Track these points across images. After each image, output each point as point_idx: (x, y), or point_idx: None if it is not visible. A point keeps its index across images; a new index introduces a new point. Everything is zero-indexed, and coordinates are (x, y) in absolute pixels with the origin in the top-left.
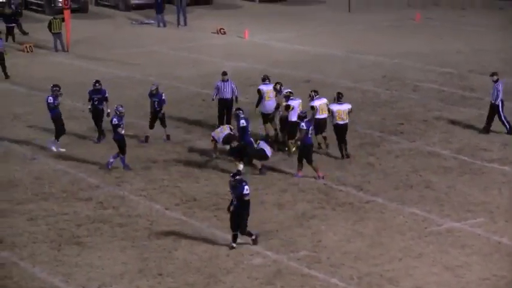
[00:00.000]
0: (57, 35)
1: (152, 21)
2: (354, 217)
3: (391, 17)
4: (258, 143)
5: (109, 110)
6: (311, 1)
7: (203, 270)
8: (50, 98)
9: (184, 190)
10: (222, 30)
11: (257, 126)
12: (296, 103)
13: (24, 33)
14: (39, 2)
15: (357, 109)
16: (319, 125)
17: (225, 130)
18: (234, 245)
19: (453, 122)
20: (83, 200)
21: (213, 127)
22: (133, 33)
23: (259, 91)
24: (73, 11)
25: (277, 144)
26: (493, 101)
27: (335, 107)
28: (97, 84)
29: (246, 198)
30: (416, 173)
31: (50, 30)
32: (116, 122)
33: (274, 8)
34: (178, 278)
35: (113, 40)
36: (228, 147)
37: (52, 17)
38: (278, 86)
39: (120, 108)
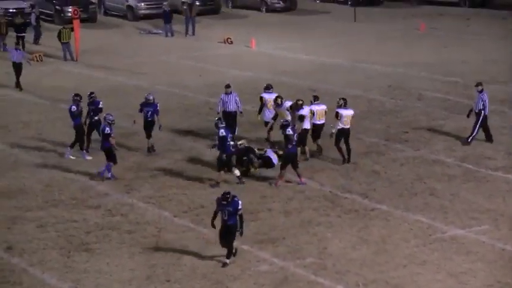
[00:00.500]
0: (66, 45)
1: (160, 31)
2: (359, 224)
3: (396, 27)
4: (265, 151)
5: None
6: (317, 11)
7: (210, 276)
8: (73, 106)
9: (192, 197)
10: (229, 40)
11: (260, 134)
12: (306, 111)
13: (36, 42)
14: (49, 12)
15: (362, 118)
16: (316, 130)
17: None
18: (227, 261)
19: (457, 131)
20: (92, 208)
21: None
22: (142, 43)
23: (261, 98)
24: (82, 20)
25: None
26: (476, 110)
27: (344, 112)
28: (92, 95)
29: (240, 212)
30: (421, 180)
31: (59, 40)
32: (109, 131)
33: (280, 18)
34: (185, 284)
35: (121, 49)
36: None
37: (62, 27)
38: (279, 100)
39: (110, 117)
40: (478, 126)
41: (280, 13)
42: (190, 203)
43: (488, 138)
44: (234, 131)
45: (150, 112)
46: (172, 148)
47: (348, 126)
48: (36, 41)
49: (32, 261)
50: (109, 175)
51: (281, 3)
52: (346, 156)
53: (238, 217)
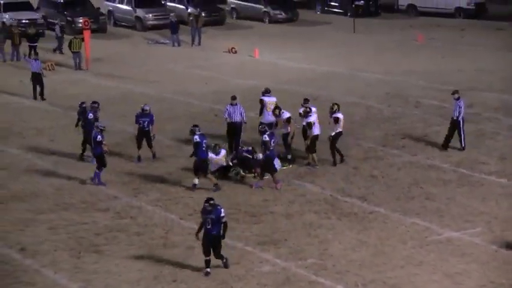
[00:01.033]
0: (77, 54)
1: (167, 41)
2: (358, 227)
3: (394, 38)
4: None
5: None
6: (317, 22)
7: (215, 277)
8: (90, 114)
9: (198, 201)
10: (233, 50)
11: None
12: (315, 118)
13: (60, 52)
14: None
15: (361, 124)
16: (306, 132)
17: (221, 161)
18: (209, 270)
19: (453, 137)
20: (102, 210)
21: (225, 140)
22: (149, 52)
23: (261, 101)
24: (93, 31)
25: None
26: (454, 118)
27: (341, 116)
28: (83, 105)
29: (224, 220)
30: (418, 185)
31: (70, 49)
32: (100, 139)
33: (282, 28)
34: (191, 284)
35: (130, 59)
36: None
37: (73, 37)
38: (277, 111)
39: (101, 125)
40: (463, 131)
41: (283, 24)
42: (195, 206)
43: (445, 145)
44: (239, 140)
45: (146, 122)
46: (178, 154)
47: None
48: (56, 50)
49: (44, 262)
50: (96, 181)
51: (283, 14)
52: (341, 158)
53: (222, 225)
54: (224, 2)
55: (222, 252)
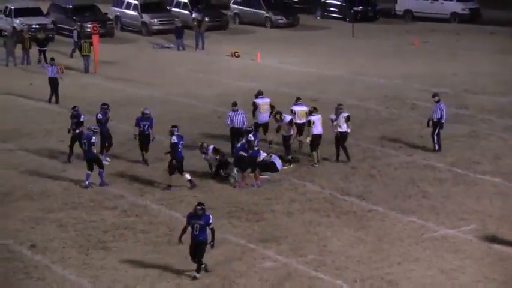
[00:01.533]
0: (87, 57)
1: (172, 45)
2: (356, 225)
3: (391, 43)
4: (270, 156)
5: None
6: (318, 27)
7: (218, 272)
8: (99, 114)
9: (201, 200)
10: (236, 54)
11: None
12: (316, 118)
13: (71, 56)
14: (69, 27)
15: (360, 126)
16: (298, 129)
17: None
18: (198, 275)
19: (448, 137)
20: (109, 209)
21: (226, 140)
22: (155, 56)
23: (254, 103)
24: (100, 35)
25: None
26: (435, 119)
27: (333, 117)
28: (75, 109)
29: (212, 226)
30: (414, 184)
31: (80, 53)
32: (94, 140)
33: (283, 33)
34: (195, 280)
35: (136, 62)
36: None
37: (83, 41)
38: (278, 116)
39: (93, 127)
40: (437, 133)
41: (284, 29)
42: None
43: (438, 146)
44: None
45: (146, 126)
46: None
47: (343, 130)
48: (71, 54)
49: (54, 259)
50: (87, 183)
51: (284, 19)
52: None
53: (210, 230)
54: (227, 7)
55: (223, 249)
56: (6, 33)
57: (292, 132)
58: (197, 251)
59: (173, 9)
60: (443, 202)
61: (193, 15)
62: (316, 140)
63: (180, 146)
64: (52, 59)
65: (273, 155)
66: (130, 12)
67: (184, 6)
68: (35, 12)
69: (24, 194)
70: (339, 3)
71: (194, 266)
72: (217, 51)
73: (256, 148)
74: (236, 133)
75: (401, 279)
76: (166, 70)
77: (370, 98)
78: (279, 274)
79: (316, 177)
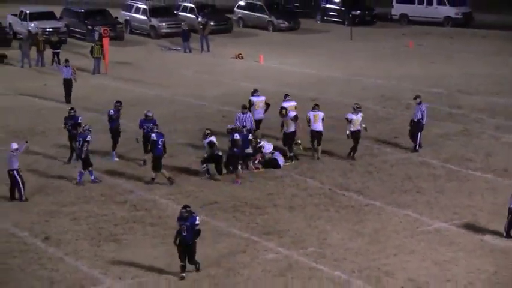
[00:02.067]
0: (97, 59)
1: (179, 48)
2: (354, 218)
3: (388, 45)
4: (273, 153)
5: (26, 141)
6: (317, 31)
7: (223, 264)
8: (111, 111)
9: (207, 194)
10: (240, 56)
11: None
12: (312, 114)
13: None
14: (81, 31)
15: None
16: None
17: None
18: (184, 275)
19: (442, 136)
20: (119, 203)
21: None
22: (163, 58)
23: (250, 101)
24: (111, 38)
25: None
26: (415, 120)
27: (354, 116)
28: (71, 111)
29: (198, 227)
30: (410, 180)
31: (91, 55)
32: (89, 139)
33: (285, 36)
34: (201, 270)
35: (145, 64)
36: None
37: (94, 44)
38: (284, 111)
39: (87, 126)
40: (420, 134)
41: (285, 32)
42: (205, 199)
43: (418, 146)
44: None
45: (150, 127)
46: (189, 151)
47: (356, 129)
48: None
49: (67, 250)
50: (79, 179)
51: (286, 23)
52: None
53: (195, 232)
54: (232, 12)
55: (227, 242)
56: (22, 37)
57: (294, 129)
58: (187, 251)
59: (180, 13)
60: (437, 197)
61: (199, 19)
62: (315, 136)
63: (159, 143)
64: (66, 60)
65: (276, 152)
66: (140, 16)
67: (191, 10)
68: (49, 16)
69: (39, 189)
70: (338, 7)
71: (198, 257)
72: (222, 54)
73: (261, 142)
74: None
75: (397, 270)
76: (173, 71)
77: (368, 98)
78: (280, 265)
79: (316, 174)
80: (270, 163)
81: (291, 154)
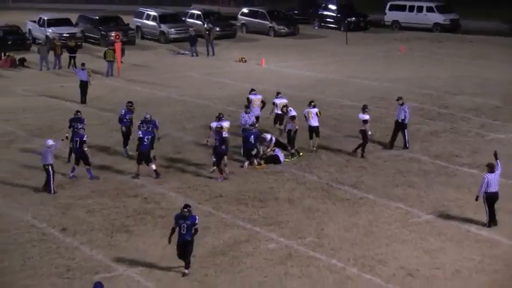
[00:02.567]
0: (111, 63)
1: (187, 52)
2: (350, 211)
3: (381, 49)
4: (274, 149)
5: (66, 135)
6: (315, 36)
7: (228, 253)
8: (122, 110)
9: (213, 188)
10: (243, 59)
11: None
12: (308, 110)
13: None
14: (95, 36)
15: (353, 123)
16: (278, 119)
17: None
18: (187, 271)
19: (431, 134)
20: (131, 196)
21: (236, 136)
22: (172, 62)
23: (248, 99)
24: (123, 43)
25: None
26: (399, 120)
27: (365, 116)
28: (78, 114)
29: (196, 226)
30: (401, 174)
31: (105, 58)
32: (86, 139)
33: (285, 41)
34: (207, 259)
35: (155, 67)
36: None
37: (107, 48)
38: (285, 109)
39: (80, 126)
40: (406, 132)
41: (285, 37)
42: (211, 193)
43: (391, 144)
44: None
45: (150, 128)
46: (196, 149)
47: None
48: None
49: (82, 240)
50: (71, 175)
51: (286, 29)
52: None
53: (193, 231)
54: (236, 18)
55: (232, 233)
56: (40, 41)
57: (291, 127)
58: (185, 249)
59: (188, 20)
60: (426, 191)
61: (205, 25)
62: (311, 130)
63: (145, 140)
64: (83, 64)
65: (277, 149)
66: (150, 22)
67: (198, 17)
68: (65, 22)
69: (57, 183)
70: (334, 14)
71: (204, 247)
72: (227, 57)
73: (268, 136)
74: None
75: (390, 259)
76: (181, 74)
77: (362, 98)
78: (281, 254)
79: (314, 169)
80: (272, 159)
81: (292, 151)
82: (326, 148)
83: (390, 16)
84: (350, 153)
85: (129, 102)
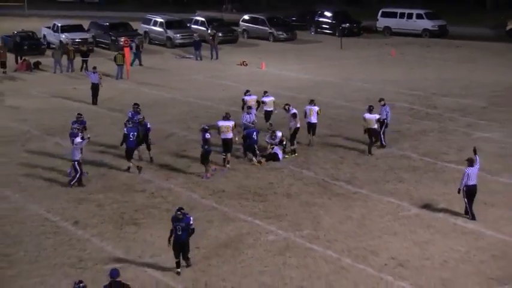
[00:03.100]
0: (120, 66)
1: (191, 56)
2: (344, 204)
3: (373, 53)
4: (273, 148)
5: (89, 135)
6: (312, 41)
7: (230, 244)
8: (130, 112)
9: (216, 184)
10: (244, 63)
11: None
12: (315, 108)
13: (140, 64)
14: (106, 41)
15: (347, 123)
16: (267, 115)
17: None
18: (179, 270)
19: (420, 132)
20: (139, 191)
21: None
22: (177, 65)
23: (243, 100)
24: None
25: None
26: (381, 119)
27: (367, 116)
28: (80, 116)
29: (192, 227)
30: (392, 171)
31: (115, 62)
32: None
33: (284, 46)
34: (211, 250)
35: (162, 70)
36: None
37: (117, 53)
38: (287, 107)
39: (76, 126)
40: (383, 131)
41: (284, 42)
42: (214, 188)
43: (384, 142)
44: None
45: (136, 125)
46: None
47: (371, 127)
48: (140, 63)
49: (93, 233)
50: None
51: (284, 34)
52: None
53: (189, 231)
54: (237, 24)
55: (233, 226)
56: (54, 46)
57: (292, 125)
58: (182, 249)
59: (192, 26)
60: (416, 186)
61: (209, 31)
62: (310, 127)
63: (131, 136)
64: (94, 67)
65: (276, 147)
66: (157, 28)
67: (202, 23)
68: (78, 28)
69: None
70: (329, 21)
71: (208, 239)
72: (229, 61)
73: (280, 133)
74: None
75: (382, 250)
76: (186, 77)
77: (356, 99)
78: (280, 246)
79: (311, 166)
80: (271, 157)
81: (292, 148)
82: (322, 145)
83: (382, 22)
84: (369, 154)
85: (135, 104)
